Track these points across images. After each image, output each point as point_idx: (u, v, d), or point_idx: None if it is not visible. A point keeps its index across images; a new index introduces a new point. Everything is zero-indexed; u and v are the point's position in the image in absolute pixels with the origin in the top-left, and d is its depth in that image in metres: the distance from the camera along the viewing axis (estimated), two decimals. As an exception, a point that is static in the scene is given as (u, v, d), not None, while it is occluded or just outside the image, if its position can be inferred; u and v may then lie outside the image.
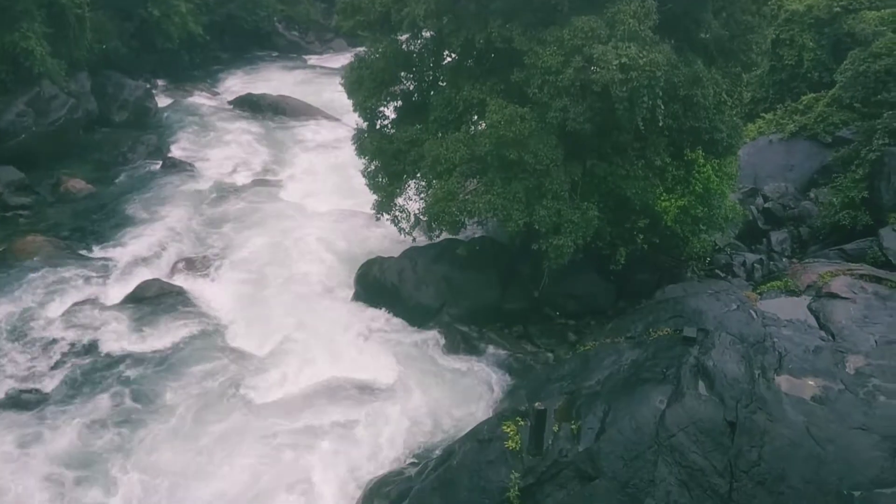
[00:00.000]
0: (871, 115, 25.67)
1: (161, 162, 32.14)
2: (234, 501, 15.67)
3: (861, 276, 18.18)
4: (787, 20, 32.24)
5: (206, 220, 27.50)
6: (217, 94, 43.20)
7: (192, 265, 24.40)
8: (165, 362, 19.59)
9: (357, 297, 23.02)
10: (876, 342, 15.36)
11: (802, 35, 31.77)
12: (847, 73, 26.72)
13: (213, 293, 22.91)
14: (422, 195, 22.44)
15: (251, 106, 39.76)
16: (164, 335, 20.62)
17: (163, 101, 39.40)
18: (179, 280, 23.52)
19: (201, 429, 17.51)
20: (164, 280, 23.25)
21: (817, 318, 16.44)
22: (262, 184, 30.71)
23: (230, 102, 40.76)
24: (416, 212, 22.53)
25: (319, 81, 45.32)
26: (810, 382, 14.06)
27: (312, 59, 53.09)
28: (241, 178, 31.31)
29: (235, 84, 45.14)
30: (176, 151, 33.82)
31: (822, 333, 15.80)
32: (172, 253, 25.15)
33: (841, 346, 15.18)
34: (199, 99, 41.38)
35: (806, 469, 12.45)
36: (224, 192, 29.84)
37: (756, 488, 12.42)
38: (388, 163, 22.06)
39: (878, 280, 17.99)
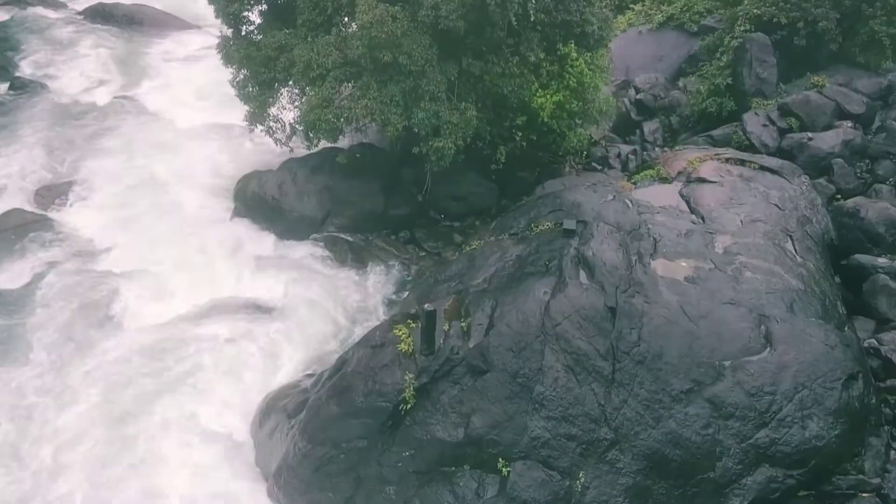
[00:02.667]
0: (733, 2, 26.34)
1: (8, 83, 29.49)
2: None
3: (727, 160, 19.01)
4: None
5: (66, 143, 25.57)
6: (62, 4, 39.67)
7: (56, 192, 22.83)
8: (31, 293, 18.50)
9: (237, 213, 22.31)
10: (741, 222, 16.23)
11: (667, -77, 31.95)
12: (706, -39, 27.19)
13: (81, 219, 21.58)
14: (296, 103, 21.68)
15: (104, 17, 36.81)
16: (29, 266, 19.38)
17: (1, 15, 35.93)
18: (42, 209, 22.05)
19: (76, 356, 16.87)
20: (25, 209, 21.76)
21: (688, 203, 17.16)
22: (124, 100, 28.77)
23: (80, 13, 37.50)
24: (292, 121, 21.80)
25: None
26: (683, 264, 14.78)
27: (168, -36, 49.49)
28: (101, 96, 29.19)
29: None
30: (24, 70, 31.05)
31: (693, 217, 16.54)
32: (32, 180, 23.36)
33: (710, 228, 15.96)
34: (43, 10, 37.76)
35: (681, 345, 13.20)
36: (83, 111, 27.78)
37: (637, 367, 13.09)
38: (257, 71, 21.07)
39: (742, 163, 18.87)
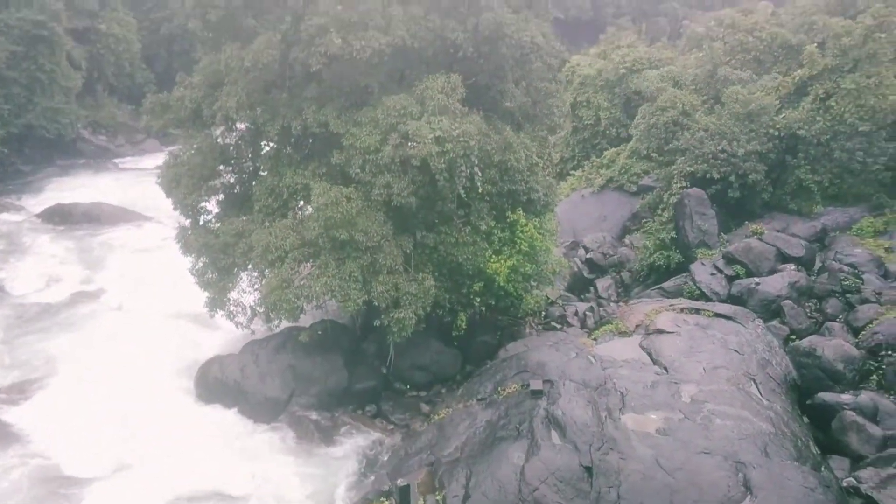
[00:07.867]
0: (667, 162, 28.07)
1: (-38, 288, 29.48)
2: None
3: (682, 310, 19.54)
4: (581, 84, 34.96)
5: (20, 341, 25.30)
6: (21, 207, 40.48)
7: (10, 393, 22.25)
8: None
9: (199, 399, 21.89)
10: (704, 369, 16.46)
11: (597, 96, 34.55)
12: (640, 127, 29.15)
13: (38, 420, 20.89)
14: (255, 286, 21.90)
15: (62, 216, 37.55)
16: (-17, 475, 18.56)
17: (-43, 223, 36.44)
18: (-4, 412, 21.38)
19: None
20: (-23, 414, 21.06)
21: (650, 355, 17.42)
22: (81, 296, 28.79)
23: (38, 215, 38.30)
24: (252, 303, 21.91)
25: (134, 184, 43.59)
26: (653, 416, 14.80)
27: (125, 162, 51.27)
28: (57, 293, 29.21)
29: (42, 195, 42.58)
30: (-22, 274, 31.18)
31: (656, 368, 16.74)
32: (-15, 383, 22.90)
33: (674, 378, 16.13)
34: (1, 214, 38.56)
35: (661, 499, 12.97)
36: (38, 309, 27.71)
37: (619, 527, 12.75)
38: (216, 258, 21.43)
39: (697, 311, 19.39)
